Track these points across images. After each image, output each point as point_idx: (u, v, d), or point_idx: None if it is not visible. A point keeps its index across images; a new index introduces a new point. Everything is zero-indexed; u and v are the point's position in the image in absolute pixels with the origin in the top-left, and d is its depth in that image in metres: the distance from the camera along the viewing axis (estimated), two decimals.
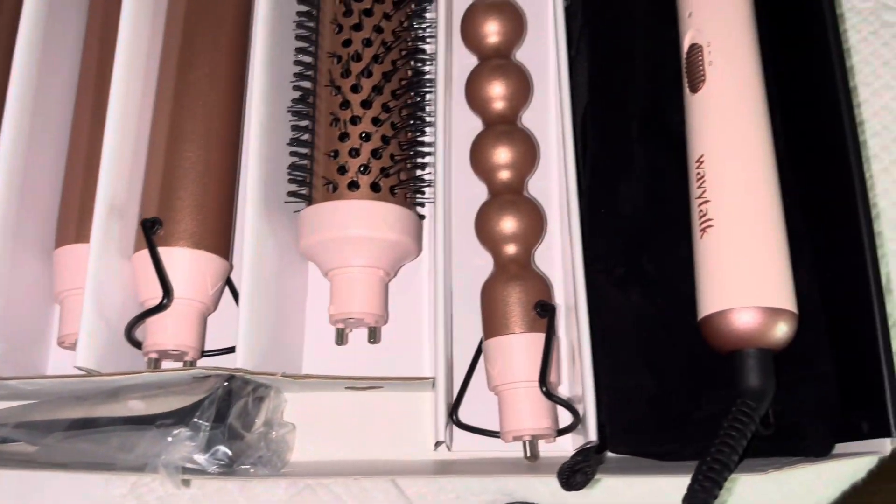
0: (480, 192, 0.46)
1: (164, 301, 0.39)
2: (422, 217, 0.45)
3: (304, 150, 0.43)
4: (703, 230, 0.40)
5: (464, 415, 0.43)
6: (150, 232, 0.40)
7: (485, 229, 0.44)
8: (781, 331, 0.37)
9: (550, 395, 0.39)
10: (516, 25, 0.48)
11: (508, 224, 0.44)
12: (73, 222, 0.44)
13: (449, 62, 0.47)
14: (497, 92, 0.46)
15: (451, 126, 0.49)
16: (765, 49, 0.45)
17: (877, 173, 0.50)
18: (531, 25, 0.50)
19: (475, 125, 0.47)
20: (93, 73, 0.46)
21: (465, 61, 0.49)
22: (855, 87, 0.51)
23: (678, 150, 0.43)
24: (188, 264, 0.41)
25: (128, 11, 0.43)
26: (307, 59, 0.45)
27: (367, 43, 0.43)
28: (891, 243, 0.49)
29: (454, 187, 0.47)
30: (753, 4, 0.45)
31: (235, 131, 0.44)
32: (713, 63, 0.42)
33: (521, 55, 0.50)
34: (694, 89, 0.43)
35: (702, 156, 0.41)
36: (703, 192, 0.40)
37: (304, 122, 0.44)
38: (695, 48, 0.43)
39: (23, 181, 0.43)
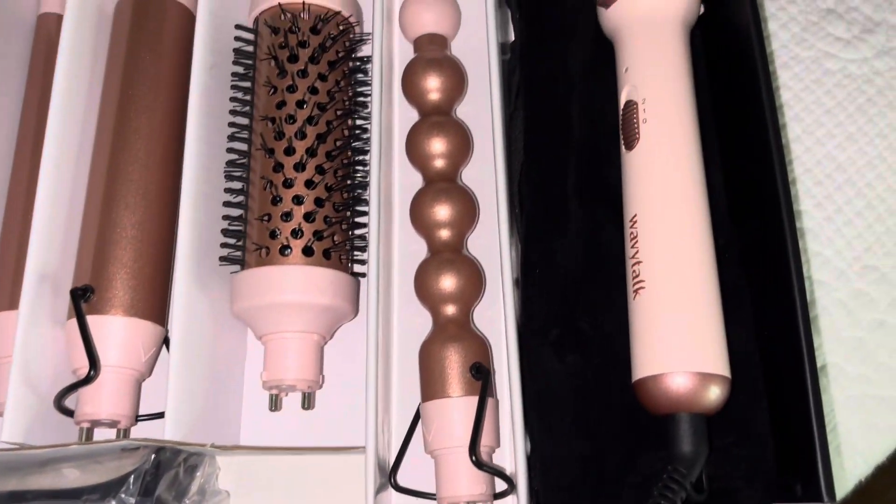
0: (423, 249, 0.46)
1: (91, 374, 0.38)
2: (362, 275, 0.45)
3: (237, 214, 0.43)
4: (636, 291, 0.40)
5: (407, 476, 0.42)
6: (80, 300, 0.40)
7: (423, 288, 0.44)
8: (714, 394, 0.37)
9: (480, 464, 0.38)
10: (456, 82, 0.48)
11: (447, 283, 0.44)
12: (7, 289, 0.43)
13: (388, 120, 0.47)
14: (437, 149, 0.46)
15: (393, 181, 0.49)
16: (704, 102, 0.45)
17: (821, 222, 0.50)
18: (475, 79, 0.50)
19: (417, 179, 0.47)
20: (29, 139, 0.46)
21: (409, 115, 0.49)
22: (794, 138, 0.51)
23: (615, 206, 0.43)
24: (121, 332, 0.40)
25: (62, 76, 0.44)
26: (242, 120, 0.45)
27: (301, 104, 0.43)
28: (836, 293, 0.49)
29: (397, 244, 0.47)
30: (690, 58, 0.45)
31: (172, 195, 0.44)
32: (647, 121, 0.42)
33: (465, 109, 0.50)
34: (629, 147, 0.43)
35: (635, 215, 0.41)
36: (636, 252, 0.40)
37: (239, 185, 0.44)
38: (630, 105, 0.43)
39: None
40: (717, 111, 0.47)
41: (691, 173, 0.41)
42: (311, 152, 0.42)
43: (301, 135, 0.43)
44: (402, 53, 0.51)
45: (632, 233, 0.41)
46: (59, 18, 0.49)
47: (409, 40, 0.50)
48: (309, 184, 0.42)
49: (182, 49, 0.46)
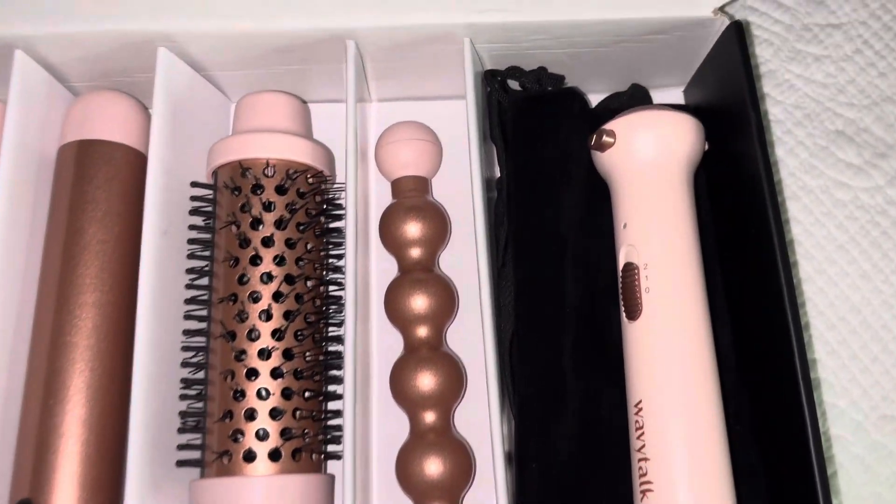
0: (405, 430, 0.41)
1: None
2: (337, 457, 0.40)
3: (196, 409, 0.39)
4: (643, 493, 0.36)
5: None
6: None
7: (407, 477, 0.40)
8: None
9: None
10: (439, 232, 0.44)
11: (433, 469, 0.39)
12: None
13: (365, 275, 0.43)
14: (419, 311, 0.42)
15: (370, 347, 0.44)
16: (708, 244, 0.41)
17: (835, 371, 0.46)
18: (458, 219, 0.46)
19: (396, 342, 0.43)
20: None
21: (386, 264, 0.45)
22: (805, 278, 0.47)
23: (615, 377, 0.39)
24: None
25: None
26: (200, 294, 0.40)
27: (267, 279, 0.39)
28: (853, 447, 0.46)
29: (375, 427, 0.43)
30: (695, 204, 0.41)
31: (121, 386, 0.39)
32: (650, 290, 0.38)
33: (449, 259, 0.46)
34: (631, 316, 0.39)
35: (640, 402, 0.37)
36: (643, 445, 0.36)
37: (197, 374, 0.39)
38: (630, 268, 0.39)
39: None
40: (721, 252, 0.43)
41: (700, 348, 0.37)
42: (278, 336, 0.38)
43: (266, 315, 0.38)
44: (379, 189, 0.47)
45: (637, 421, 0.37)
46: None
47: (387, 180, 0.46)
48: (275, 373, 0.37)
49: (132, 202, 0.41)
